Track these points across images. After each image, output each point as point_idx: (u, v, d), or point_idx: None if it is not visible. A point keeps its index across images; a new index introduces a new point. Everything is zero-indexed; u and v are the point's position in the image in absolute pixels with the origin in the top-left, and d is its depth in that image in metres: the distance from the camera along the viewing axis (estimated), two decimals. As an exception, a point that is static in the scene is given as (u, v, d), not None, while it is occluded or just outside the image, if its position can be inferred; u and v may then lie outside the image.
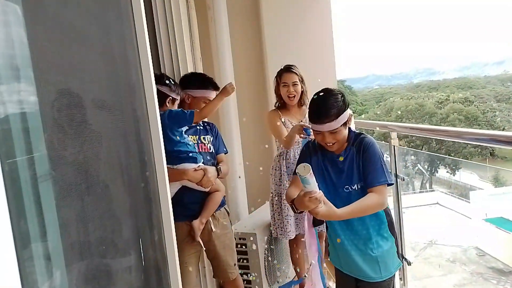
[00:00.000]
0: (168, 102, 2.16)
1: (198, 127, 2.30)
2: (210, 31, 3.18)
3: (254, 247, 2.71)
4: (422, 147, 33.61)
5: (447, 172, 30.49)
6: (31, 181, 0.85)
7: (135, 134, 1.32)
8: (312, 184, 1.49)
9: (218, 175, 2.23)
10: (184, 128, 2.15)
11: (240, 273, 2.48)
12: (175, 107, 2.20)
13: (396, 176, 2.54)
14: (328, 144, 1.77)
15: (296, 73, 2.68)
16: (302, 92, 2.70)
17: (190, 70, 2.60)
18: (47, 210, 0.88)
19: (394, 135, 2.58)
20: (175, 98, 2.19)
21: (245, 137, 3.41)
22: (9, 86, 0.83)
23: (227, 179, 2.93)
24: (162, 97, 2.11)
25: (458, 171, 29.70)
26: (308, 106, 1.88)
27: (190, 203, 2.18)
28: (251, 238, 2.71)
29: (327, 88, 1.80)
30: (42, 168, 0.89)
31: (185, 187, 2.15)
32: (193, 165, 2.12)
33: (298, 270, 2.91)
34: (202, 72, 2.66)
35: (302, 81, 2.70)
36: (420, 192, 26.83)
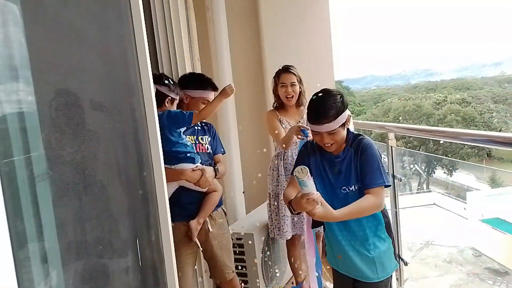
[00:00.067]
0: (167, 102, 2.15)
1: (196, 128, 2.30)
2: (209, 31, 3.18)
3: (251, 247, 2.71)
4: (420, 148, 33.67)
5: (444, 172, 30.56)
6: (29, 180, 0.85)
7: (133, 134, 1.32)
8: (310, 186, 1.49)
9: (215, 175, 2.23)
10: (183, 129, 2.15)
11: (237, 273, 2.48)
12: (174, 107, 2.20)
13: (393, 176, 2.55)
14: (326, 145, 1.77)
15: (294, 74, 2.68)
16: (300, 92, 2.71)
17: (188, 70, 2.59)
18: (44, 210, 0.88)
19: (391, 135, 2.59)
20: (174, 98, 2.18)
21: (243, 138, 3.42)
22: (7, 86, 0.83)
23: (225, 179, 2.93)
24: (161, 97, 2.10)
25: (455, 172, 29.78)
26: (306, 106, 1.88)
27: (187, 203, 2.18)
28: (249, 240, 2.71)
29: (326, 88, 1.80)
30: (40, 168, 0.89)
31: (183, 187, 2.15)
32: (191, 165, 2.12)
33: (295, 270, 2.91)
34: (200, 72, 2.66)
35: (300, 81, 2.70)
36: (417, 192, 26.88)
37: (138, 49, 1.23)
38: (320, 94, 1.77)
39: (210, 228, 2.25)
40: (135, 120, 1.30)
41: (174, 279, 1.33)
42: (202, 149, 2.28)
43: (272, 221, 2.80)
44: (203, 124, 2.37)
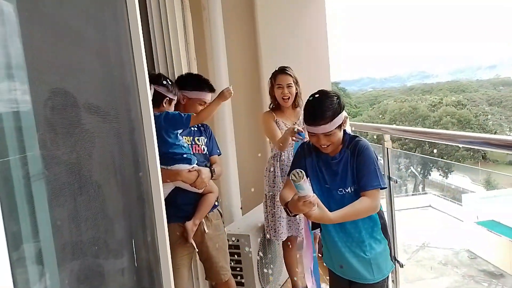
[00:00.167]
0: (165, 103, 2.14)
1: (192, 129, 2.29)
2: (205, 31, 3.18)
3: (247, 248, 2.70)
4: (415, 150, 33.73)
5: (440, 175, 30.65)
6: (24, 180, 0.84)
7: (129, 134, 1.32)
8: (306, 189, 1.49)
9: (211, 176, 2.23)
10: (180, 130, 2.14)
11: (233, 275, 2.48)
12: (172, 107, 2.19)
13: (389, 178, 2.55)
14: (323, 146, 1.77)
15: (291, 75, 2.68)
16: (296, 94, 2.71)
17: (185, 70, 2.59)
18: (40, 210, 0.87)
19: (387, 137, 2.58)
20: (172, 99, 2.17)
21: (239, 139, 3.41)
22: (2, 85, 0.83)
23: (221, 180, 2.93)
24: (159, 98, 2.10)
25: (450, 174, 29.89)
26: (302, 107, 1.88)
27: (183, 204, 2.17)
28: (245, 241, 2.71)
29: (323, 90, 1.79)
30: (35, 168, 0.89)
31: (179, 188, 2.15)
32: (188, 166, 2.11)
33: (291, 271, 2.91)
34: (196, 72, 2.65)
35: (296, 83, 2.70)
36: (413, 194, 26.94)
37: (134, 48, 1.23)
38: (316, 95, 1.76)
39: (206, 229, 2.25)
40: (131, 120, 1.30)
41: (169, 280, 1.33)
42: (198, 150, 2.27)
43: (268, 222, 2.80)
44: (200, 125, 2.36)
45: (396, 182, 2.60)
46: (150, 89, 1.97)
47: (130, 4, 1.21)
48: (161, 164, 1.34)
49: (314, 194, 1.53)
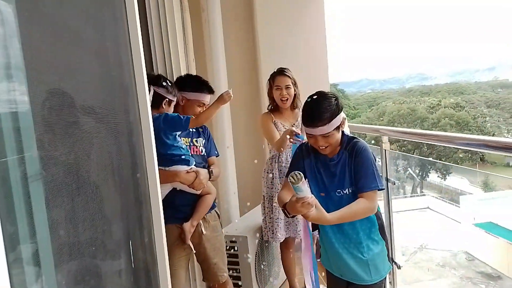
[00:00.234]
0: (165, 104, 2.13)
1: (190, 130, 2.29)
2: (204, 33, 3.18)
3: (244, 250, 2.70)
4: (414, 152, 33.78)
5: (438, 176, 30.67)
6: (22, 181, 0.84)
7: (127, 135, 1.32)
8: (305, 191, 1.49)
9: (209, 177, 2.23)
10: (178, 132, 2.14)
11: (230, 276, 2.47)
12: (171, 109, 2.18)
13: (387, 180, 2.55)
14: (321, 148, 1.77)
15: (289, 76, 2.68)
16: (295, 95, 2.71)
17: (183, 72, 2.59)
18: (37, 211, 0.87)
19: (385, 139, 2.59)
20: (172, 100, 2.17)
21: (238, 140, 3.41)
22: (0, 86, 0.82)
23: (219, 181, 2.93)
24: (158, 99, 2.09)
25: (448, 175, 29.91)
26: (301, 109, 1.88)
27: (181, 206, 2.17)
28: (242, 242, 2.71)
29: (321, 91, 1.79)
30: (33, 169, 0.89)
31: (176, 189, 2.15)
32: (186, 167, 2.11)
33: (288, 273, 2.91)
34: (195, 74, 2.65)
35: (295, 84, 2.70)
36: (411, 196, 26.94)
37: (132, 50, 1.23)
38: (315, 97, 1.76)
39: (203, 230, 2.25)
40: (129, 121, 1.30)
41: (167, 282, 1.33)
42: (197, 151, 2.27)
43: (266, 224, 2.80)
44: (198, 127, 2.36)
45: (394, 184, 2.60)
46: (150, 90, 1.98)
47: (129, 5, 1.21)
48: (159, 165, 1.34)
49: (312, 195, 1.53)
